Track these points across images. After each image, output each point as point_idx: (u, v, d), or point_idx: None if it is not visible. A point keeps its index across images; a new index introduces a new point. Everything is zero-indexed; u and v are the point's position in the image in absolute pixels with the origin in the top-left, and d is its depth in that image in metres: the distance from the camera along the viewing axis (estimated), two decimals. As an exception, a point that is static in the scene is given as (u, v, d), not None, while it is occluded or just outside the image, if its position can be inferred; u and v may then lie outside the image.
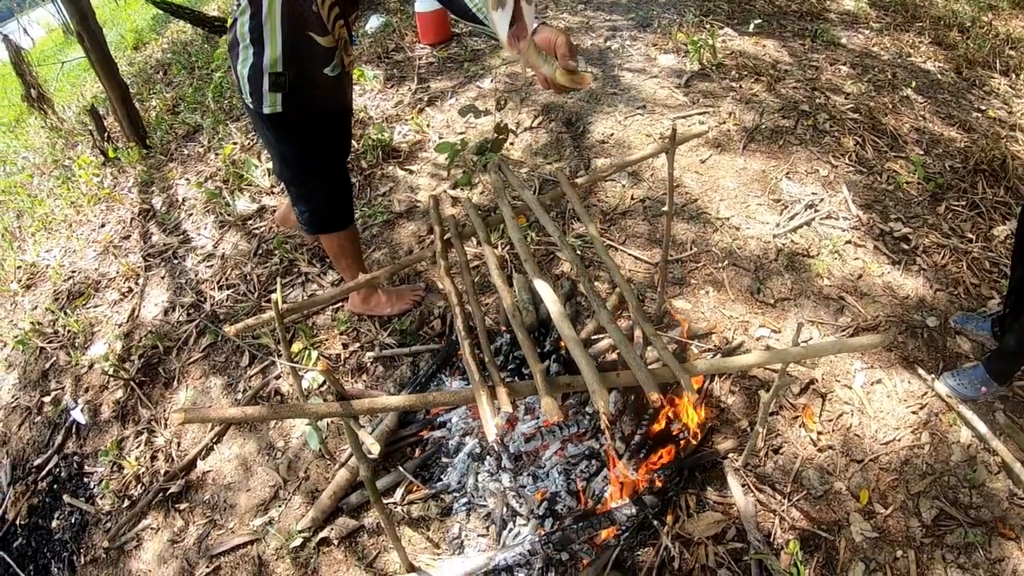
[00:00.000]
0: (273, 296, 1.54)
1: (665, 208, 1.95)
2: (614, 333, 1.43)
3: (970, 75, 3.91)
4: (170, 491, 2.18)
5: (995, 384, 2.03)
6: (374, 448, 1.34)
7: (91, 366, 2.66)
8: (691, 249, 2.53)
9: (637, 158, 1.95)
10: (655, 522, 1.81)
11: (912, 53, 4.09)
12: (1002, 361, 2.04)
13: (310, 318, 2.53)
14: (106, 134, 4.10)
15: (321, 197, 2.06)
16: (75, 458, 2.45)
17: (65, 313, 2.91)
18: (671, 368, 1.38)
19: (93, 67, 3.82)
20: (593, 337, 2.20)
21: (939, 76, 3.88)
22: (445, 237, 1.72)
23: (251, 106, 1.81)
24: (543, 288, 1.45)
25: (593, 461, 1.89)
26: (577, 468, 1.88)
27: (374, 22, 4.72)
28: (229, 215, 3.04)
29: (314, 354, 2.26)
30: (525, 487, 1.88)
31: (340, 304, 2.52)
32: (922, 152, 3.12)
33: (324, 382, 2.28)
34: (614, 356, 2.15)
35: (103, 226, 3.43)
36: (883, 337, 1.39)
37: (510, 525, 1.85)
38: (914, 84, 3.61)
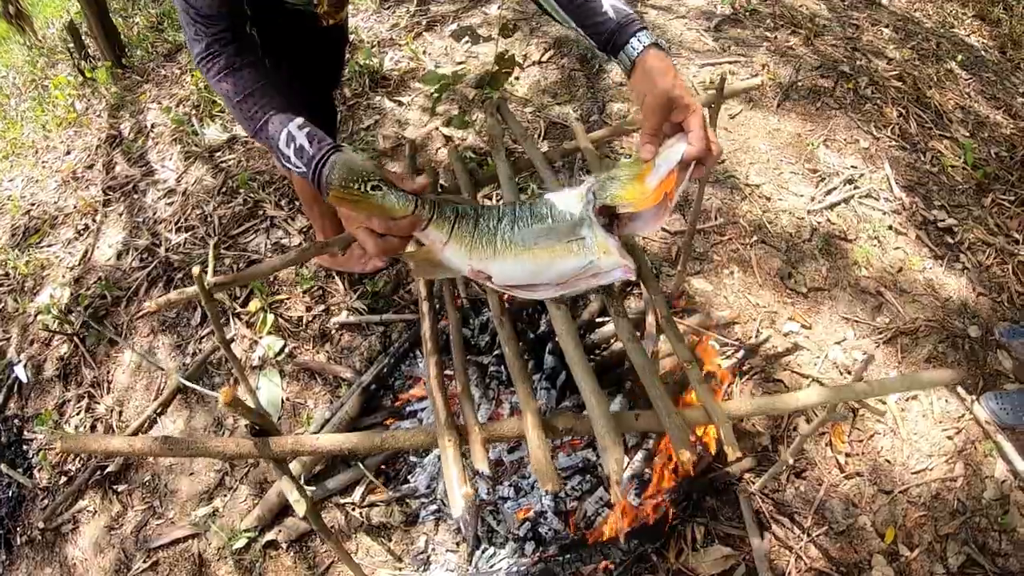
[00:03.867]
0: (195, 269, 1.01)
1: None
2: (637, 358, 0.92)
3: (1015, 56, 3.26)
4: (108, 469, 1.73)
5: None
6: (298, 508, 0.85)
7: (37, 315, 2.14)
8: (716, 219, 1.98)
9: (672, 110, 1.38)
10: (654, 556, 1.36)
11: (955, 24, 3.41)
12: None
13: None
14: (84, 52, 3.42)
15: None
16: (15, 421, 1.97)
17: (18, 252, 2.36)
18: (708, 411, 0.89)
19: (66, -24, 3.10)
20: (598, 320, 1.68)
21: (983, 53, 3.22)
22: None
23: None
24: (556, 319, 0.92)
25: (588, 476, 1.42)
26: (568, 484, 1.42)
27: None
28: (197, 145, 2.45)
29: (270, 317, 1.75)
30: (506, 501, 1.41)
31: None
32: (967, 134, 2.53)
33: (282, 349, 1.78)
34: (619, 344, 1.64)
35: (68, 153, 2.83)
36: (954, 374, 0.95)
37: (484, 544, 1.41)
38: (959, 58, 2.96)
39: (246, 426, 0.91)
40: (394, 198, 0.82)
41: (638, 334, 1.61)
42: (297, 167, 0.87)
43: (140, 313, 2.02)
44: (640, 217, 0.88)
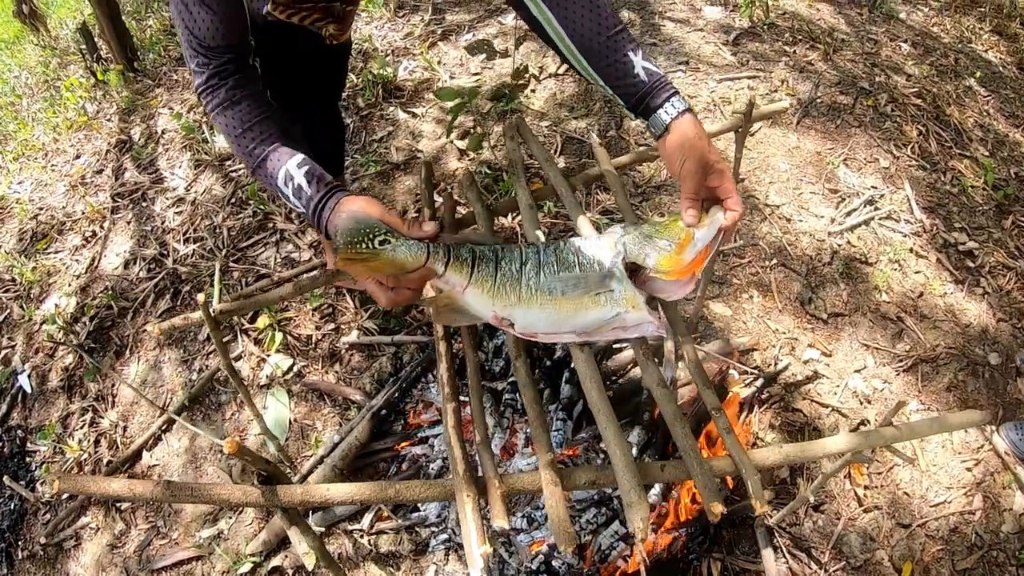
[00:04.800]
0: (199, 295, 0.96)
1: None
2: (666, 405, 0.87)
3: (1032, 73, 3.19)
4: (111, 484, 1.68)
5: None
6: (307, 561, 0.81)
7: (42, 324, 2.10)
8: (736, 240, 1.92)
9: (698, 134, 1.32)
10: (672, 594, 1.31)
11: (973, 40, 3.33)
12: None
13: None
14: (96, 54, 3.38)
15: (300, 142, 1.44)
16: (18, 432, 1.93)
17: (25, 258, 2.32)
18: (736, 463, 0.85)
19: (77, -22, 3.06)
20: (615, 346, 1.63)
21: (1001, 69, 3.15)
22: (437, 219, 1.13)
23: None
24: (579, 361, 0.88)
25: (603, 509, 1.37)
26: (583, 517, 1.36)
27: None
28: (207, 153, 2.40)
29: (278, 335, 1.70)
30: (518, 533, 1.36)
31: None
32: (987, 153, 2.47)
33: (290, 368, 1.73)
34: (637, 371, 1.59)
35: (78, 157, 2.79)
36: (984, 415, 0.93)
37: (495, 577, 1.36)
38: (978, 74, 2.90)
39: (252, 472, 0.86)
40: (404, 250, 0.78)
41: (656, 360, 1.56)
42: (296, 207, 0.85)
43: (145, 327, 1.97)
44: (667, 284, 0.84)
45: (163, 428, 1.76)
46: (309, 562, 0.80)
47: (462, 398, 1.06)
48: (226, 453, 0.76)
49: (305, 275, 1.92)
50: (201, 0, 0.83)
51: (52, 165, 2.83)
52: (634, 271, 0.86)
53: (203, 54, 0.86)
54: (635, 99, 0.85)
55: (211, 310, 1.04)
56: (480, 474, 0.81)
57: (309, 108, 1.45)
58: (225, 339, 1.84)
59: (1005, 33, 3.49)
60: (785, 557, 1.42)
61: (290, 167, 0.84)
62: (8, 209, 2.67)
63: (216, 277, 1.14)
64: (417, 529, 1.46)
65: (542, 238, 1.00)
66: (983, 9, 3.64)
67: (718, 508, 0.78)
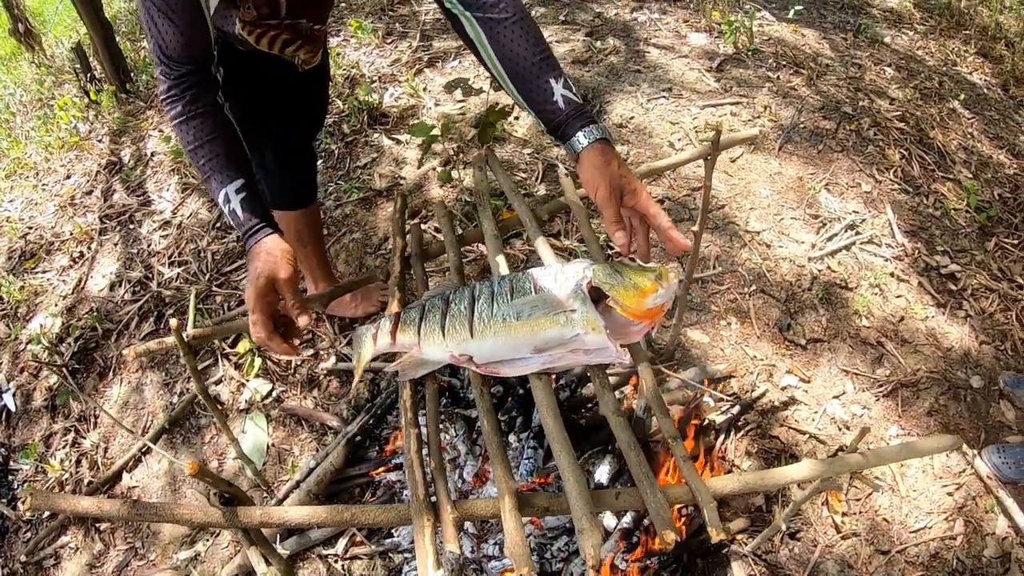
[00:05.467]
0: (172, 321, 1.01)
1: (695, 228, 1.39)
2: (622, 435, 0.91)
3: (1017, 94, 3.27)
4: (89, 506, 1.71)
5: None
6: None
7: (28, 343, 2.14)
8: (714, 267, 1.97)
9: (668, 164, 1.38)
10: (644, 623, 1.33)
11: (958, 62, 3.42)
12: None
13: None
14: (90, 75, 3.47)
15: (273, 168, 1.51)
16: (1, 450, 1.96)
17: (13, 276, 2.37)
18: (693, 490, 0.88)
19: (74, 4, 3.16)
20: (589, 374, 1.66)
21: (986, 91, 3.23)
22: (406, 254, 1.18)
23: None
24: (536, 389, 0.93)
25: (574, 538, 1.39)
26: (555, 545, 1.39)
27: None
28: (194, 177, 2.47)
29: (258, 360, 1.74)
30: (490, 560, 1.38)
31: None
32: (970, 175, 2.53)
33: (269, 393, 1.77)
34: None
35: (68, 177, 2.86)
36: (954, 440, 0.94)
37: (468, 605, 1.37)
38: (962, 97, 2.97)
39: (214, 493, 0.90)
40: (366, 351, 0.96)
41: (632, 389, 1.60)
42: (231, 226, 0.96)
43: (126, 350, 2.01)
44: (622, 321, 0.89)
45: (143, 451, 1.79)
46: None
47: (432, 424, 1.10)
48: (188, 474, 0.79)
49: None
50: (165, 14, 0.88)
51: (43, 184, 2.90)
52: (596, 299, 0.91)
53: (166, 63, 0.92)
54: (553, 125, 0.91)
55: (184, 335, 1.08)
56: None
57: (284, 135, 1.50)
58: (205, 363, 1.88)
59: (990, 55, 3.58)
60: (760, 586, 1.44)
61: (229, 191, 0.92)
62: (-1, 228, 2.73)
63: (191, 303, 1.19)
64: (391, 555, 1.48)
65: (504, 267, 1.05)
66: (968, 32, 3.74)
67: (670, 537, 0.81)
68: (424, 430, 0.93)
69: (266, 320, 0.89)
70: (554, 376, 1.56)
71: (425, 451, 0.89)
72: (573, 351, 0.90)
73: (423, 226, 2.11)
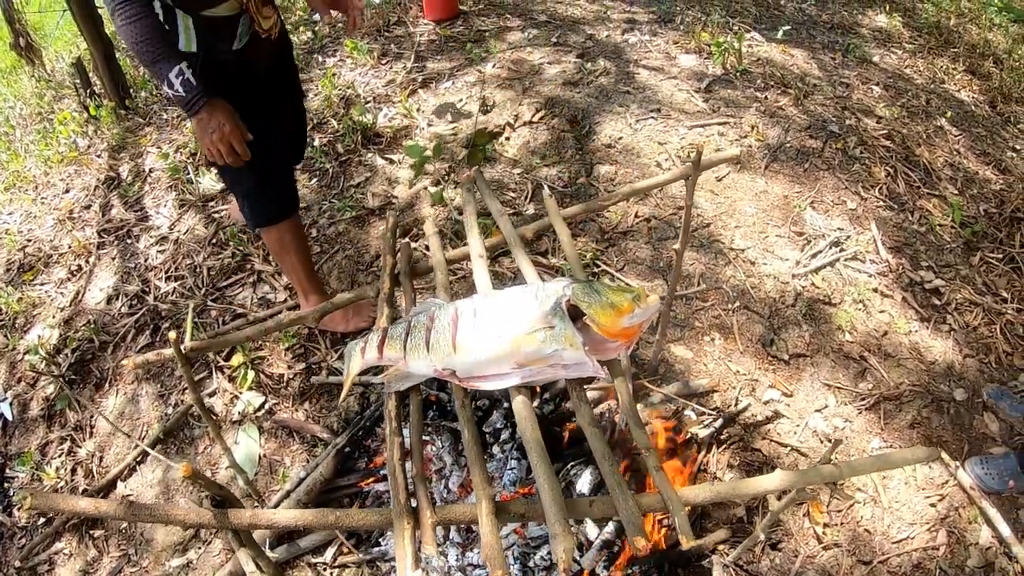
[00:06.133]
0: (171, 333, 1.08)
1: (676, 246, 1.47)
2: (597, 445, 0.98)
3: (1004, 110, 3.37)
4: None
5: None
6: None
7: (26, 354, 2.21)
8: (699, 284, 2.05)
9: (651, 184, 1.46)
10: (625, 631, 1.38)
11: (946, 80, 3.53)
12: None
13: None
14: (90, 90, 3.57)
15: (254, 186, 1.63)
16: (-3, 458, 2.02)
17: (12, 288, 2.45)
18: (665, 499, 0.94)
19: (75, 20, 3.27)
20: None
21: (973, 108, 3.33)
22: (395, 271, 1.25)
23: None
24: (516, 401, 1.00)
25: (559, 547, 1.45)
26: (537, 554, 1.45)
27: (380, -9, 4.11)
28: (191, 194, 2.55)
29: (251, 373, 1.81)
30: (474, 569, 1.44)
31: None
32: (956, 191, 2.62)
33: (261, 405, 1.84)
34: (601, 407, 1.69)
35: (67, 192, 2.94)
36: (930, 451, 1.00)
37: (453, 613, 1.43)
38: (949, 114, 3.08)
39: (206, 496, 0.97)
40: (355, 364, 1.05)
41: (613, 404, 1.67)
42: (177, 91, 1.32)
43: (123, 361, 2.08)
44: (598, 339, 0.95)
45: (138, 460, 1.85)
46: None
47: (425, 437, 1.17)
48: (181, 476, 0.86)
49: (274, 317, 2.04)
50: None
51: (42, 198, 2.98)
52: (574, 317, 0.98)
53: None
54: None
55: (182, 347, 1.15)
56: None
57: (268, 165, 1.61)
58: (200, 376, 1.95)
59: (978, 72, 3.69)
60: (741, 596, 1.49)
61: (183, 67, 1.31)
62: (-3, 240, 2.81)
63: (188, 316, 1.26)
64: (378, 563, 1.53)
65: (488, 285, 1.12)
66: (957, 49, 3.85)
67: (641, 543, 0.88)
68: (408, 440, 1.00)
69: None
70: (539, 389, 1.62)
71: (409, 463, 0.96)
72: (552, 366, 0.97)
73: (414, 244, 2.19)
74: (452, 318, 0.97)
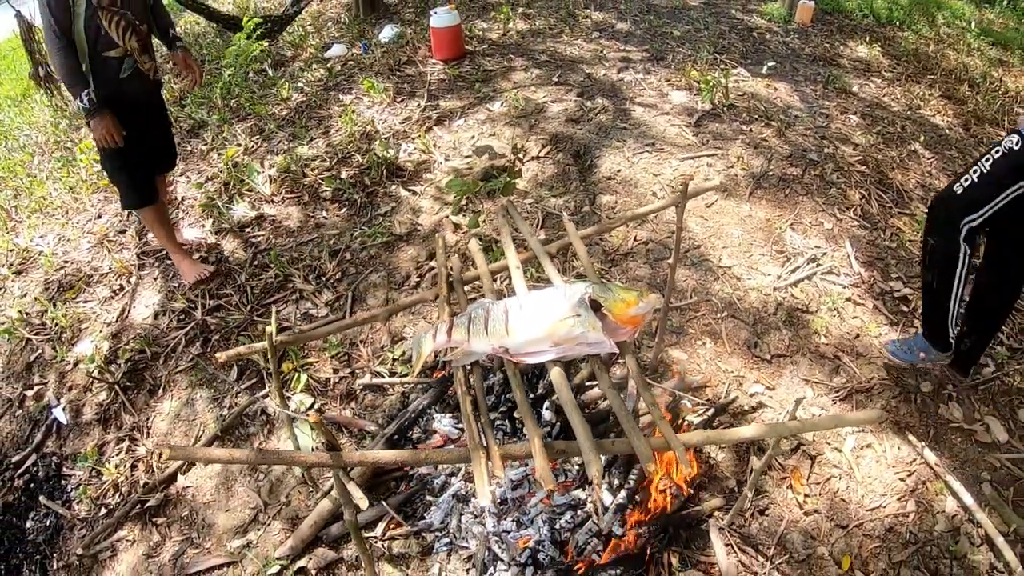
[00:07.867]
0: (268, 328, 1.50)
1: (670, 260, 1.93)
2: (614, 400, 1.41)
3: (978, 132, 3.92)
4: (148, 504, 2.14)
5: (934, 352, 2.16)
6: (362, 503, 1.31)
7: (76, 364, 2.60)
8: (691, 297, 2.51)
9: (646, 211, 1.93)
10: (637, 579, 1.78)
11: (922, 106, 4.10)
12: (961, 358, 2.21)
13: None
14: (110, 121, 4.02)
15: (125, 179, 2.62)
16: (54, 458, 2.39)
17: (54, 305, 2.85)
18: (666, 438, 1.36)
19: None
20: (586, 384, 2.18)
21: (947, 131, 3.88)
22: (449, 279, 1.69)
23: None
24: (554, 372, 1.43)
25: (579, 512, 1.86)
26: (562, 518, 1.86)
27: (388, 32, 4.67)
28: (227, 222, 2.99)
29: (303, 377, 2.22)
30: (509, 533, 1.84)
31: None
32: (926, 210, 3.13)
33: (311, 405, 2.24)
34: (606, 403, 2.12)
35: (99, 217, 3.37)
36: (877, 414, 1.41)
37: (491, 570, 1.82)
38: (923, 138, 3.62)
39: (315, 448, 1.37)
40: (426, 345, 1.46)
41: (622, 394, 2.11)
42: (85, 106, 2.36)
43: (178, 368, 2.48)
44: (611, 325, 1.39)
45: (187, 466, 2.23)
46: (363, 504, 1.29)
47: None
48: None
49: (351, 317, 2.46)
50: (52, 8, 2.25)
51: (73, 223, 3.40)
52: (594, 308, 1.42)
53: (57, 29, 2.27)
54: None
55: (273, 340, 1.57)
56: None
57: (146, 171, 2.65)
58: (251, 382, 2.36)
59: (954, 96, 4.24)
60: (736, 552, 1.89)
61: (90, 91, 2.34)
62: (32, 260, 3.22)
63: (272, 317, 1.67)
64: (423, 535, 1.93)
65: (524, 288, 1.57)
66: (934, 76, 4.43)
67: (651, 467, 1.29)
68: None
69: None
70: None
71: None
72: (579, 344, 1.41)
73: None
74: (504, 310, 1.41)
